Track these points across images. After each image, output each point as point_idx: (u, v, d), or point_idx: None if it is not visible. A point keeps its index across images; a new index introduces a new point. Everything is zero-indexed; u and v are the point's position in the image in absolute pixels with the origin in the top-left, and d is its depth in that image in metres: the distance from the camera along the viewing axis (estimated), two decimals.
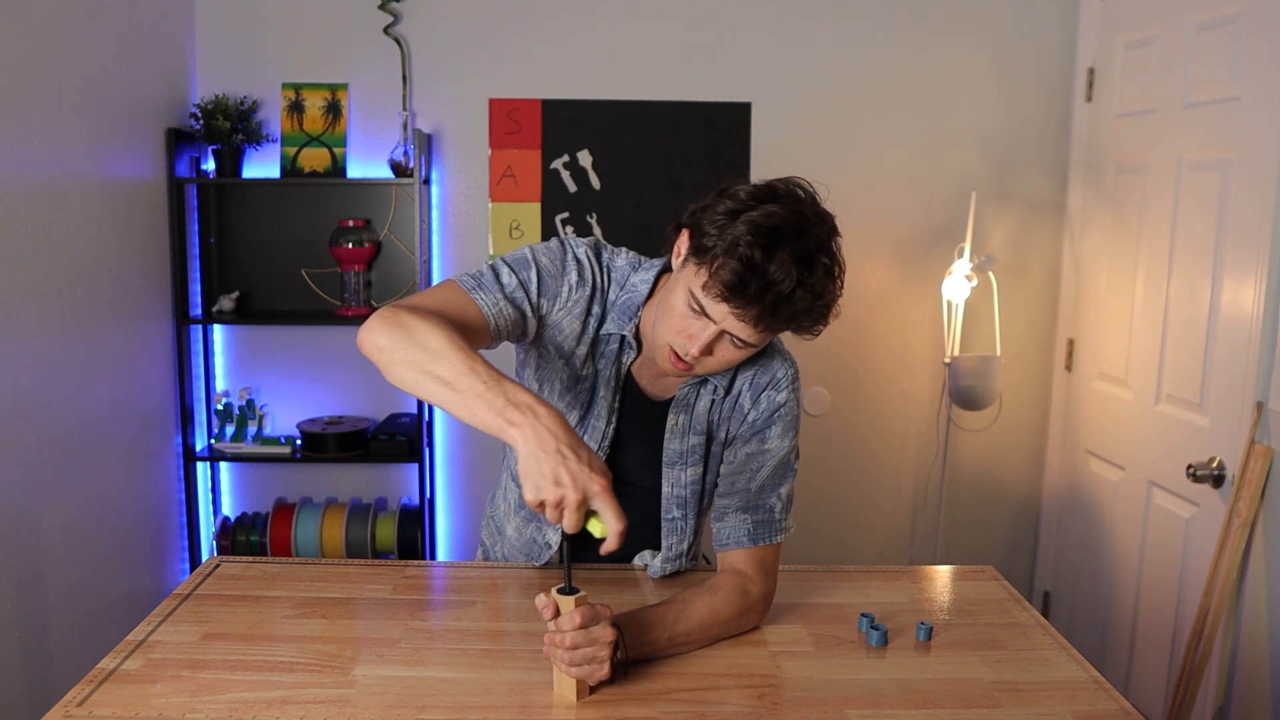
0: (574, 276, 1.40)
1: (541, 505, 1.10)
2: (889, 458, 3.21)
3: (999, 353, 2.97)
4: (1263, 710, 2.04)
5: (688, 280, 1.25)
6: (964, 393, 2.91)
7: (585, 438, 1.45)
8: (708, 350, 1.27)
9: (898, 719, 1.21)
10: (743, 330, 1.24)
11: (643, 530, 1.53)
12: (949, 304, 2.97)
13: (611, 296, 1.42)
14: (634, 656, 1.25)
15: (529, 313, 1.38)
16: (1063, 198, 3.07)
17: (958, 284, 2.88)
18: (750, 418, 1.43)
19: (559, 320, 1.41)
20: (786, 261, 1.18)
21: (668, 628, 1.30)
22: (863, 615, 1.44)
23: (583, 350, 1.42)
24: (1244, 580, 2.10)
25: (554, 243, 1.42)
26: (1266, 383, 2.07)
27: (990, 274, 2.95)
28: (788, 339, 1.41)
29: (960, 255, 2.91)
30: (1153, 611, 2.51)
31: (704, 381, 1.43)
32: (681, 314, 1.27)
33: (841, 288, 1.27)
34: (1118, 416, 2.70)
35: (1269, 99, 2.08)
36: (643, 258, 1.46)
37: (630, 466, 1.49)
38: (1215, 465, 2.21)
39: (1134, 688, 2.59)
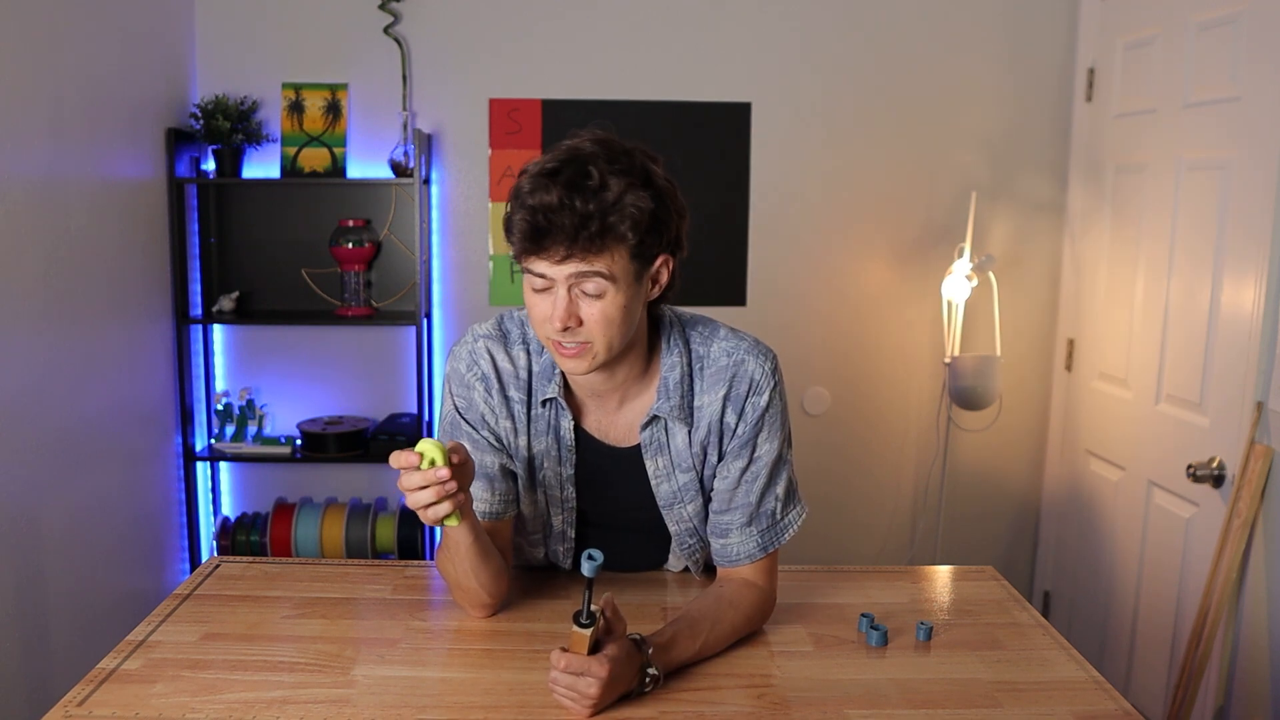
0: (479, 393, 1.39)
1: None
2: (889, 458, 3.21)
3: (999, 353, 2.97)
4: (1263, 710, 2.04)
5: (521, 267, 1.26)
6: (964, 393, 2.91)
7: (558, 513, 1.46)
8: (575, 320, 1.23)
9: (898, 719, 1.21)
10: (573, 271, 1.21)
11: (658, 555, 1.55)
12: (949, 304, 2.98)
13: (536, 368, 1.40)
14: (664, 673, 1.24)
15: (502, 456, 1.40)
16: (1063, 198, 3.07)
17: (958, 284, 2.88)
18: (739, 430, 1.38)
19: (504, 432, 1.40)
20: (564, 186, 1.17)
21: (695, 654, 1.30)
22: (863, 615, 1.43)
23: (523, 440, 1.41)
24: (1244, 580, 2.10)
25: (455, 369, 1.41)
26: (1266, 383, 2.07)
27: (990, 274, 2.95)
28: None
29: (960, 255, 2.91)
30: (1153, 611, 2.51)
31: (660, 420, 1.38)
32: (533, 303, 1.26)
33: (660, 192, 1.25)
34: (1118, 416, 2.70)
35: (1269, 99, 2.08)
36: None
37: (627, 514, 1.47)
38: (1215, 465, 2.21)
39: (1134, 688, 2.59)
